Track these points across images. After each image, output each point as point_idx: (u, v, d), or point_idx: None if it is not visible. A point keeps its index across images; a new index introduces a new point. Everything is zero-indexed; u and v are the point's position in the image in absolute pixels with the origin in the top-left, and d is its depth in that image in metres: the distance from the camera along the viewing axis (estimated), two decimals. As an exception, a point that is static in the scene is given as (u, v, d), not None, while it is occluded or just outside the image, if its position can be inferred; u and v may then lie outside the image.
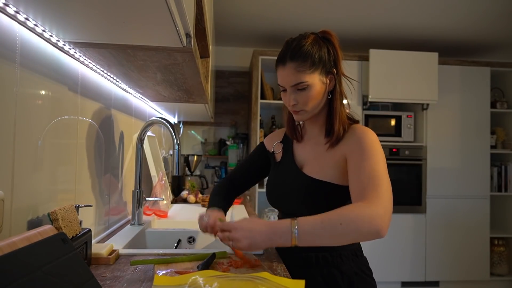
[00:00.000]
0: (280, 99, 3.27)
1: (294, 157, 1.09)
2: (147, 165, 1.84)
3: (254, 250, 0.83)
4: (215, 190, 1.20)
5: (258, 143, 3.25)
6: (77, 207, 0.87)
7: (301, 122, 1.12)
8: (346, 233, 0.78)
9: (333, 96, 1.00)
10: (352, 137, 0.97)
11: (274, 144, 1.17)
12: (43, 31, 0.76)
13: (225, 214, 1.09)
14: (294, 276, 0.91)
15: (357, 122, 1.04)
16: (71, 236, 0.78)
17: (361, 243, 1.04)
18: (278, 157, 1.14)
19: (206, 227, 0.97)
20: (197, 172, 3.28)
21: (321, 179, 0.97)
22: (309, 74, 0.95)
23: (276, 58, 1.00)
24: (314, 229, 0.78)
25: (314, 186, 0.98)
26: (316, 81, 0.96)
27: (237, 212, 1.76)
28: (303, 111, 0.99)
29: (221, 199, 1.15)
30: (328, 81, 0.99)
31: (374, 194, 0.82)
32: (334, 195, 0.96)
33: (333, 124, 0.99)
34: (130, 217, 1.55)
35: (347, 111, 1.03)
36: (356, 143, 0.94)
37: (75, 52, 0.91)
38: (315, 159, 1.03)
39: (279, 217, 1.09)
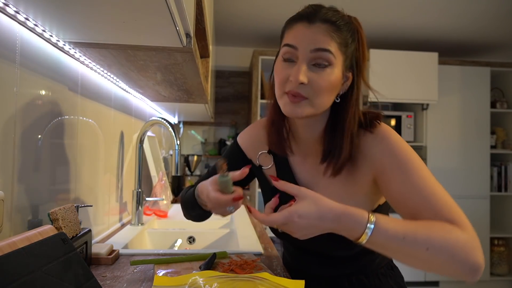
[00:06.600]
0: (280, 99, 3.26)
1: (296, 177, 0.82)
2: (147, 165, 1.84)
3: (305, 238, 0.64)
4: (184, 192, 0.97)
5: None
6: (77, 207, 0.87)
7: (287, 125, 0.81)
8: (430, 262, 0.59)
9: (346, 102, 0.73)
10: (376, 148, 0.72)
11: (258, 154, 0.87)
12: (43, 31, 0.76)
13: None
14: None
15: (378, 120, 0.77)
16: (71, 236, 0.78)
17: None
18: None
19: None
20: (197, 172, 3.29)
21: None
22: (337, 50, 0.69)
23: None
24: (391, 241, 0.59)
25: None
26: (339, 66, 0.70)
27: (236, 212, 1.76)
28: (308, 101, 0.69)
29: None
30: (345, 79, 0.73)
31: (460, 218, 0.63)
32: None
33: (341, 143, 0.72)
34: (130, 217, 1.55)
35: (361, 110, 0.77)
36: (388, 157, 0.71)
37: (75, 52, 0.91)
38: (324, 188, 0.76)
39: (290, 252, 0.91)
